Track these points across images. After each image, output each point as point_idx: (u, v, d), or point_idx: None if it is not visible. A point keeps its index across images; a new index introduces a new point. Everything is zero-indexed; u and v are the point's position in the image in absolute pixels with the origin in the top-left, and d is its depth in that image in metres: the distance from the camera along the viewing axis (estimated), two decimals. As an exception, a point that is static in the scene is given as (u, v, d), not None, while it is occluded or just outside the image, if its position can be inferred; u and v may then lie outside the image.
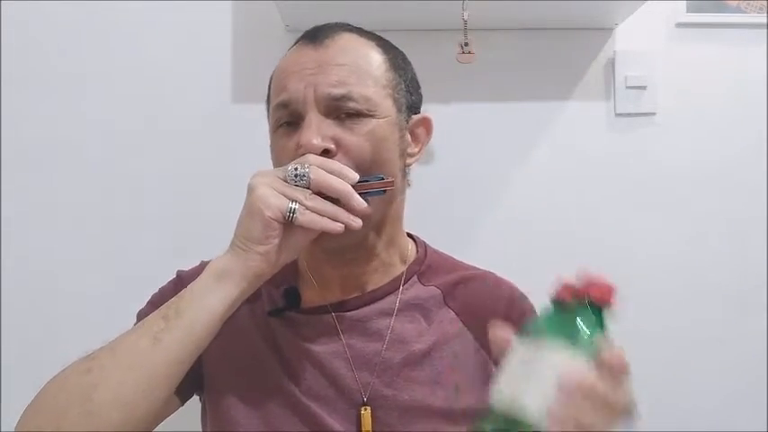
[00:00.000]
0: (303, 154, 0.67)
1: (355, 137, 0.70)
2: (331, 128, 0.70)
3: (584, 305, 0.50)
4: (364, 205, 0.65)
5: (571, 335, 0.50)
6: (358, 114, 0.70)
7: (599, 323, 0.51)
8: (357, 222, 0.65)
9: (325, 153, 0.68)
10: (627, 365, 0.50)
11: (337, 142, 0.69)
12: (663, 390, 1.17)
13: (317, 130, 0.68)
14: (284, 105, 0.71)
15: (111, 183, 1.15)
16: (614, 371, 0.50)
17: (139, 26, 1.17)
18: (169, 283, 0.81)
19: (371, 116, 0.71)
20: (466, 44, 0.98)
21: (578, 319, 0.50)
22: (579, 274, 0.52)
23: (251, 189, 0.64)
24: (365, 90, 0.71)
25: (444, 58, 1.06)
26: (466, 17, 0.97)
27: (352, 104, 0.70)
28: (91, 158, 1.15)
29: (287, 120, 0.72)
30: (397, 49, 0.79)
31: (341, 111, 0.70)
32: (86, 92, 1.16)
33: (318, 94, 0.70)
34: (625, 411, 0.50)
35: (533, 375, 0.49)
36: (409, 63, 0.80)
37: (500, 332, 0.54)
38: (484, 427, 0.50)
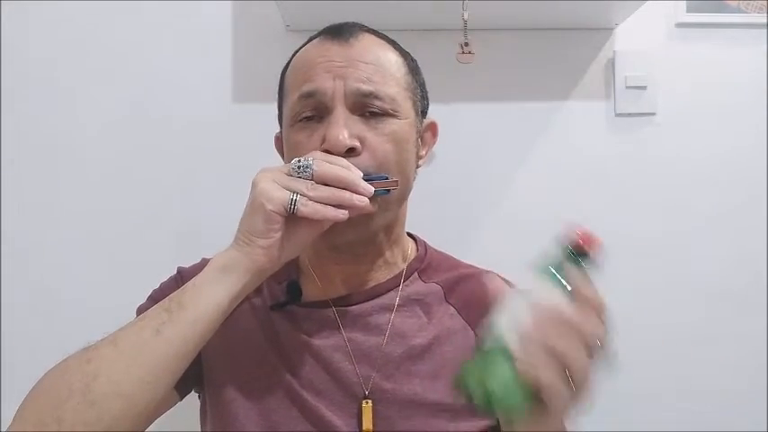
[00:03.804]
0: (326, 150, 0.67)
1: (379, 136, 0.70)
2: (357, 125, 0.70)
3: (568, 252, 0.54)
4: (371, 191, 0.65)
5: (551, 276, 0.54)
6: (383, 114, 0.71)
7: (582, 268, 0.54)
8: (362, 200, 0.64)
9: (351, 151, 0.68)
10: (602, 301, 0.52)
11: (362, 141, 0.69)
12: (662, 389, 1.17)
13: (346, 126, 0.68)
14: (310, 95, 0.70)
15: (112, 182, 1.15)
16: (588, 304, 0.52)
17: (139, 26, 1.17)
18: (169, 279, 0.81)
19: (395, 116, 0.72)
20: (466, 44, 0.98)
21: (560, 261, 0.54)
22: (568, 227, 0.55)
23: (254, 184, 0.64)
24: (390, 90, 0.71)
25: (444, 58, 1.06)
26: (466, 17, 0.97)
27: (378, 103, 0.70)
28: (91, 158, 1.15)
29: (310, 113, 0.71)
30: (409, 53, 0.79)
31: (366, 108, 0.70)
32: (86, 92, 1.16)
33: (348, 89, 0.69)
34: (599, 346, 0.51)
35: (511, 308, 0.54)
36: (419, 68, 0.80)
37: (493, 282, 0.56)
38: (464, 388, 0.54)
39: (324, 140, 0.68)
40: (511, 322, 0.53)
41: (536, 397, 0.51)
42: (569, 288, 0.53)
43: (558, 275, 0.54)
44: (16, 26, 1.16)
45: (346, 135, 0.68)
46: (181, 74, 1.17)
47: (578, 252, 0.54)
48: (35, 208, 1.14)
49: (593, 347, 0.51)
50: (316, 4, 1.02)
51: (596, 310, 0.52)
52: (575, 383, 0.51)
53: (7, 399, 1.08)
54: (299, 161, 0.64)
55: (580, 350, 0.51)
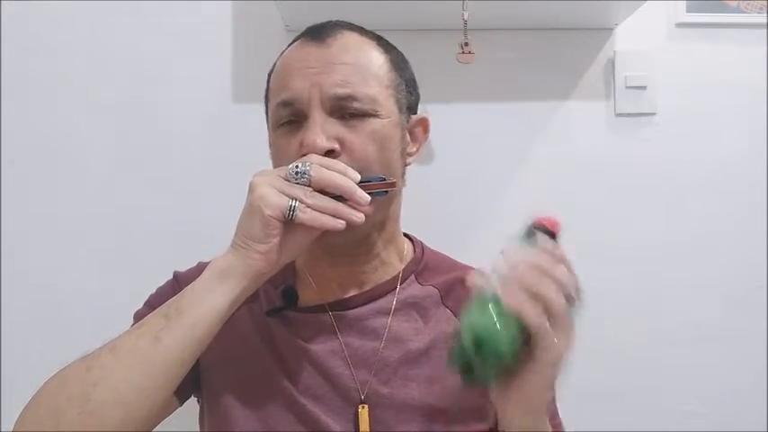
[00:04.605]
0: (306, 154, 0.67)
1: (359, 137, 0.70)
2: (335, 127, 0.69)
3: (535, 230, 0.61)
4: (368, 200, 0.65)
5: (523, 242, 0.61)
6: (362, 114, 0.70)
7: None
8: (359, 217, 0.64)
9: (330, 153, 0.68)
10: (562, 252, 0.58)
11: (341, 142, 0.69)
12: (662, 389, 1.17)
13: (322, 130, 0.68)
14: (287, 104, 0.71)
15: (112, 183, 1.15)
16: (557, 258, 0.57)
17: (140, 26, 1.17)
18: (166, 283, 0.81)
19: (375, 116, 0.71)
20: (466, 44, 0.98)
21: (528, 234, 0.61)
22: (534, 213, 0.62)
23: (252, 188, 0.64)
24: (369, 90, 0.71)
25: (444, 58, 1.06)
26: (466, 17, 0.97)
27: (356, 104, 0.70)
28: (91, 158, 1.15)
29: (289, 119, 0.71)
30: (396, 48, 0.79)
31: (345, 110, 0.70)
32: (86, 92, 1.16)
33: (324, 94, 0.69)
34: (570, 290, 0.56)
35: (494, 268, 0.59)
36: (408, 62, 0.80)
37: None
38: (456, 357, 0.57)
39: (302, 145, 0.68)
40: (494, 276, 0.58)
41: (524, 343, 0.56)
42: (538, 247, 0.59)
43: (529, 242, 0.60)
44: (16, 26, 1.16)
45: (323, 138, 0.68)
46: (181, 74, 1.17)
47: (544, 231, 0.61)
48: (35, 208, 1.14)
49: (568, 293, 0.56)
50: (315, 5, 1.02)
51: (564, 263, 0.58)
52: (556, 326, 0.55)
53: (7, 398, 1.09)
54: (297, 166, 0.64)
55: (558, 293, 0.55)
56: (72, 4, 1.16)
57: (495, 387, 0.61)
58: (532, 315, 0.55)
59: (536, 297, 0.55)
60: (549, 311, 0.55)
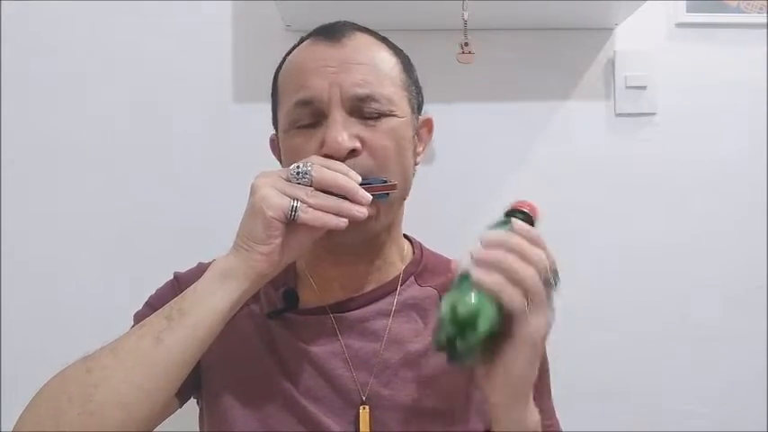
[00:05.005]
0: (327, 153, 0.67)
1: (379, 136, 0.70)
2: (356, 127, 0.70)
3: (510, 212, 0.64)
4: (369, 199, 0.65)
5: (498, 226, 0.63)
6: (380, 114, 0.71)
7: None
8: (362, 212, 0.64)
9: (351, 153, 0.68)
10: (537, 234, 0.60)
11: (362, 141, 0.69)
12: (662, 389, 1.17)
13: (344, 129, 0.68)
14: (306, 103, 0.70)
15: (112, 183, 1.15)
16: (526, 236, 0.59)
17: (140, 26, 1.17)
18: (166, 284, 0.81)
19: (393, 116, 0.72)
20: (466, 44, 0.98)
21: (506, 220, 0.63)
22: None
23: (254, 189, 0.64)
24: (385, 90, 0.71)
25: (444, 58, 1.06)
26: (466, 17, 0.97)
27: (375, 105, 0.70)
28: (91, 158, 1.15)
29: (307, 119, 0.71)
30: (402, 50, 0.79)
31: (364, 110, 0.70)
32: (86, 92, 1.16)
33: (344, 94, 0.69)
34: (545, 270, 0.58)
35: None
36: (413, 65, 0.80)
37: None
38: (440, 336, 0.59)
39: (323, 144, 0.68)
40: (473, 258, 0.60)
41: (503, 323, 0.58)
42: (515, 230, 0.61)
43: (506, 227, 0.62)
44: (16, 26, 1.16)
45: (345, 137, 0.68)
46: (181, 74, 1.17)
47: (522, 216, 0.63)
48: (35, 208, 1.14)
49: (545, 274, 0.58)
50: (315, 4, 1.02)
51: (540, 245, 0.60)
52: (534, 305, 0.58)
53: (7, 398, 1.08)
54: (298, 167, 0.64)
55: (534, 274, 0.57)
56: (72, 4, 1.16)
57: (479, 366, 0.62)
58: (509, 295, 0.56)
59: (513, 278, 0.57)
60: (526, 292, 0.57)
